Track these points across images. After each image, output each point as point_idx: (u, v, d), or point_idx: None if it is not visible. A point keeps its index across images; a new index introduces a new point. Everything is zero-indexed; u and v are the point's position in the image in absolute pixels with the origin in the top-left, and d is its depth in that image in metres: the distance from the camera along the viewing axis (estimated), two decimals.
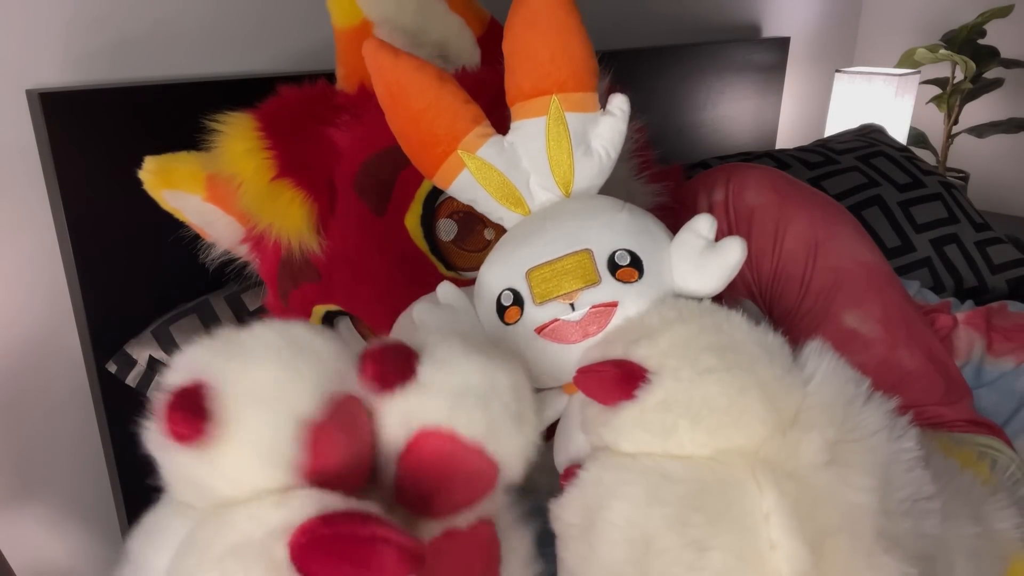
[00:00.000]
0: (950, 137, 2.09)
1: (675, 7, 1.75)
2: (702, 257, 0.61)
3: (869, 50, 2.35)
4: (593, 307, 0.58)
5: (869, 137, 1.68)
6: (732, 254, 0.60)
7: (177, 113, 0.86)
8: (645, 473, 0.52)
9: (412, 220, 0.77)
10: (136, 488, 1.05)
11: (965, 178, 2.05)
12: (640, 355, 0.54)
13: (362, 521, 0.40)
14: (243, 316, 0.97)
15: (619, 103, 0.66)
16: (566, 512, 0.55)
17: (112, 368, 0.96)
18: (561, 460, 0.63)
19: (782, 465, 0.52)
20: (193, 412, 0.42)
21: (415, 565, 0.40)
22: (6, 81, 0.90)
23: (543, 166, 0.66)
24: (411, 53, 0.68)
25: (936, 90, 2.12)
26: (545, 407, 0.64)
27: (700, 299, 0.61)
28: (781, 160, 1.55)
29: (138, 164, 0.96)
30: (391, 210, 0.77)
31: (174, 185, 0.89)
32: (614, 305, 0.59)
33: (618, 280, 0.59)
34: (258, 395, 0.44)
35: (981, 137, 2.02)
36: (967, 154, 2.19)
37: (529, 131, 0.66)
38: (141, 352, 0.95)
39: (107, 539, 1.10)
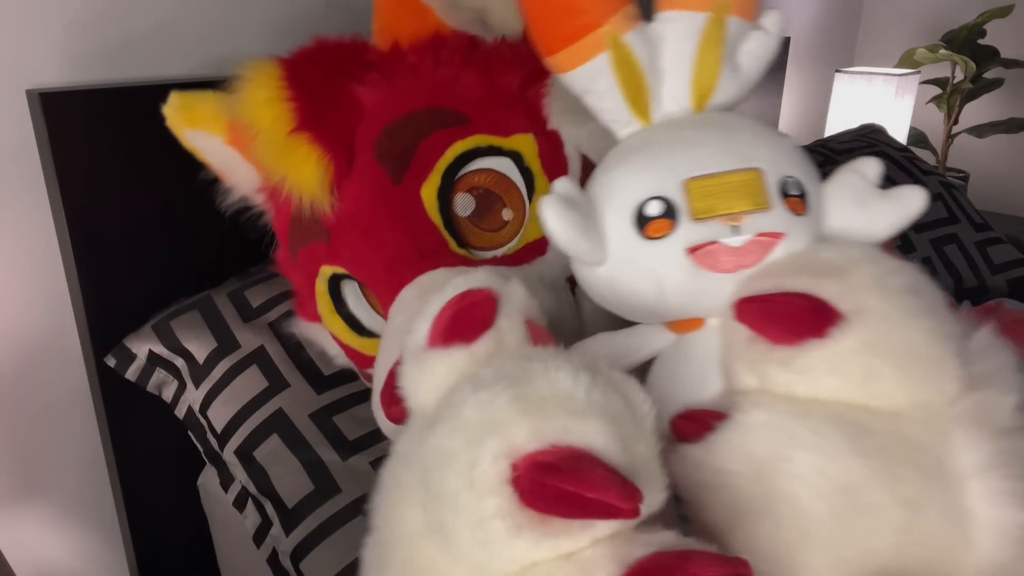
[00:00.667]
0: (950, 137, 2.09)
1: None
2: (870, 200, 0.55)
3: (869, 50, 2.35)
4: (759, 234, 0.52)
5: (869, 137, 1.68)
6: (913, 201, 0.55)
7: None
8: (838, 421, 0.46)
9: (429, 191, 0.75)
10: (136, 488, 1.05)
11: (965, 178, 2.05)
12: (830, 291, 0.48)
13: (678, 562, 0.39)
14: (246, 312, 0.97)
15: (774, 19, 0.59)
16: (720, 458, 0.48)
17: (111, 362, 0.95)
18: (670, 404, 0.55)
19: (983, 424, 0.47)
20: (619, 483, 0.41)
21: None
22: (6, 81, 0.90)
23: (683, 71, 0.58)
24: (449, 15, 0.64)
25: (936, 90, 2.12)
26: (641, 345, 0.59)
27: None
28: None
29: (138, 164, 0.96)
30: (408, 178, 0.75)
31: (196, 124, 0.87)
32: (780, 236, 0.53)
33: (787, 209, 0.53)
34: None
35: (981, 137, 2.01)
36: (967, 154, 2.19)
37: (682, 27, 0.57)
38: (140, 346, 0.95)
39: (107, 539, 1.10)
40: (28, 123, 0.92)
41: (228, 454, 0.90)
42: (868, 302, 0.48)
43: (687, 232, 0.53)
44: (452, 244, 0.75)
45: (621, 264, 0.57)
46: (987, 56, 1.99)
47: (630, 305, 0.60)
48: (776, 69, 2.06)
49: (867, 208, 0.55)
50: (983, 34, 1.99)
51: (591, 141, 0.79)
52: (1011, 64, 1.98)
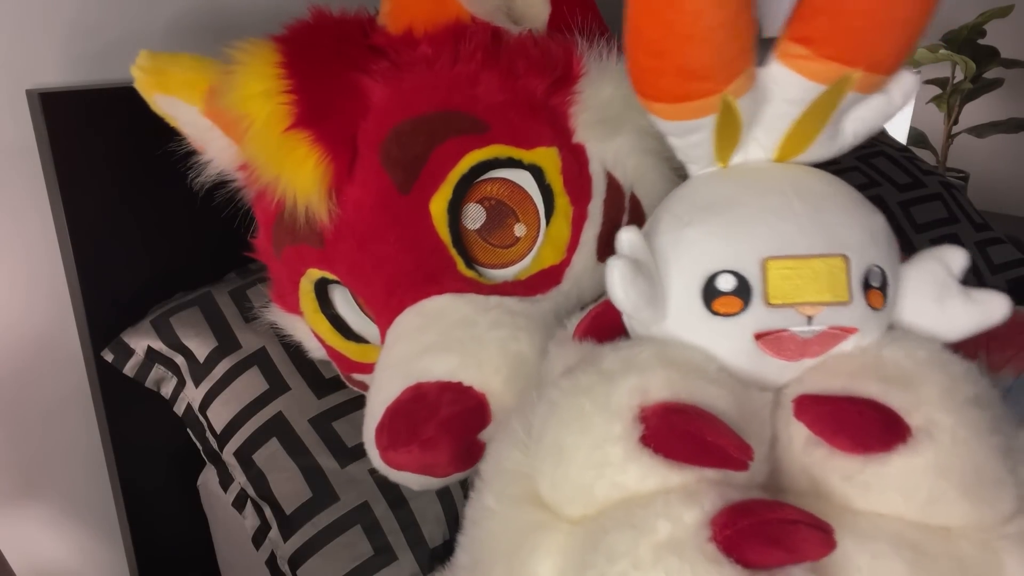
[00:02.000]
0: (950, 137, 2.09)
1: None
2: (950, 298, 0.52)
3: None
4: (832, 328, 0.50)
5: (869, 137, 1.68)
6: (995, 309, 0.52)
7: None
8: (898, 544, 0.44)
9: (439, 205, 0.68)
10: (136, 488, 1.05)
11: (965, 178, 2.05)
12: (901, 401, 0.46)
13: (773, 507, 0.43)
14: (247, 311, 0.96)
15: (907, 86, 0.54)
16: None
17: (109, 357, 0.95)
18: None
19: None
20: (737, 437, 0.46)
21: (832, 541, 0.42)
22: (6, 81, 0.90)
23: (779, 127, 0.54)
24: (471, 1, 0.58)
25: (936, 90, 2.12)
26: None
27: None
28: None
29: (138, 164, 0.96)
30: (417, 189, 0.68)
31: (169, 90, 0.79)
32: (853, 332, 0.50)
33: (868, 304, 0.50)
34: None
35: (981, 137, 2.01)
36: (967, 154, 2.19)
37: (794, 93, 0.52)
38: (139, 342, 0.94)
39: (107, 539, 1.10)
40: (28, 123, 0.92)
41: (227, 455, 0.90)
42: (938, 417, 0.46)
43: (757, 316, 0.50)
44: (460, 264, 0.69)
45: (679, 330, 0.54)
46: (987, 56, 1.99)
47: None
48: None
49: (945, 307, 0.52)
50: (983, 34, 1.99)
51: (618, 158, 0.73)
52: (1011, 64, 1.98)
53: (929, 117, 2.19)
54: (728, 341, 0.51)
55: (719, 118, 0.52)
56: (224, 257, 1.05)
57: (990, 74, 2.04)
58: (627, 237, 0.54)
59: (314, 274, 0.77)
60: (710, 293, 0.51)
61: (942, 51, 1.97)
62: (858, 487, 0.46)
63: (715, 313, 0.51)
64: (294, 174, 0.68)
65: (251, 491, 0.88)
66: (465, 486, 0.89)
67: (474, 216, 0.70)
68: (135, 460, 1.04)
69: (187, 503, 1.07)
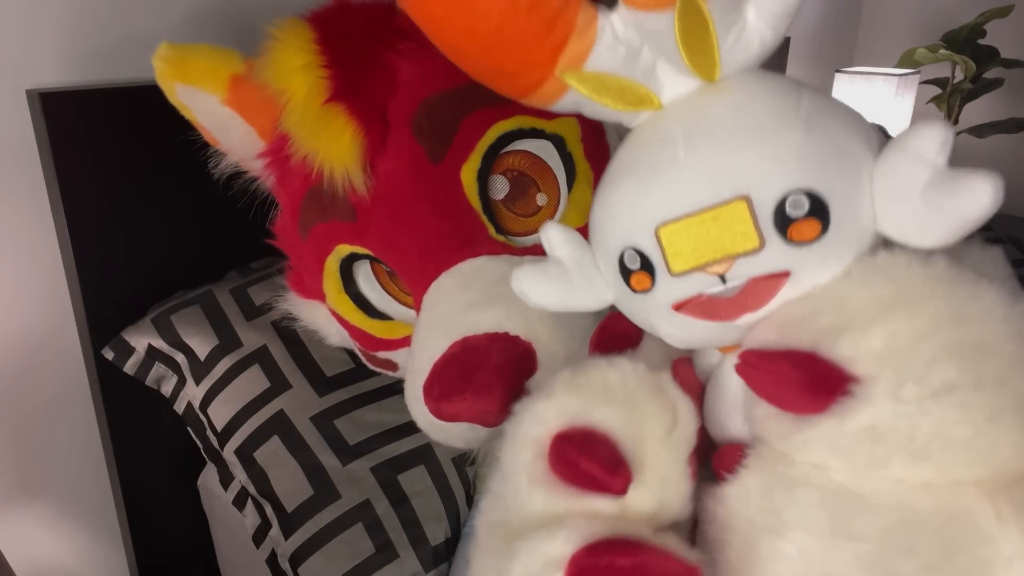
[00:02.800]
0: None
1: None
2: (928, 196, 0.41)
3: (869, 50, 2.35)
4: (753, 280, 0.44)
5: None
6: (979, 200, 0.40)
7: (177, 113, 0.86)
8: (831, 496, 0.41)
9: (469, 173, 0.71)
10: (136, 488, 1.05)
11: None
12: (843, 355, 0.40)
13: (628, 549, 0.42)
14: (249, 310, 0.96)
15: None
16: (723, 512, 0.46)
17: (109, 355, 0.95)
18: (714, 430, 0.53)
19: None
20: (614, 463, 0.44)
21: None
22: (6, 81, 0.90)
23: (672, 48, 0.47)
24: None
25: (936, 90, 2.12)
26: (699, 361, 0.55)
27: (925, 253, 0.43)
28: None
29: (138, 164, 0.96)
30: (449, 158, 0.71)
31: (190, 80, 0.80)
32: (784, 276, 0.44)
33: (790, 242, 0.43)
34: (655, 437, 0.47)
35: (981, 137, 2.01)
36: (967, 154, 2.19)
37: (650, 23, 0.47)
38: (139, 340, 0.94)
39: (107, 539, 1.10)
40: (28, 123, 0.92)
41: (228, 453, 0.90)
42: (885, 373, 0.39)
43: (667, 288, 0.47)
44: (491, 230, 0.72)
45: (623, 308, 0.55)
46: (987, 56, 1.99)
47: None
48: (776, 69, 2.06)
49: (922, 209, 0.42)
50: (983, 34, 1.99)
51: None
52: (1011, 64, 1.98)
53: (929, 117, 2.19)
54: (657, 317, 0.49)
55: (586, 92, 0.49)
56: (224, 256, 1.05)
57: (990, 74, 2.04)
58: (553, 235, 0.54)
59: (343, 250, 0.78)
60: (624, 272, 0.49)
61: (942, 51, 1.97)
62: (795, 446, 0.42)
63: (633, 291, 0.49)
64: (332, 145, 0.70)
65: (252, 489, 0.88)
66: (467, 485, 0.89)
67: (499, 187, 0.73)
68: (135, 460, 1.04)
69: (187, 503, 1.07)
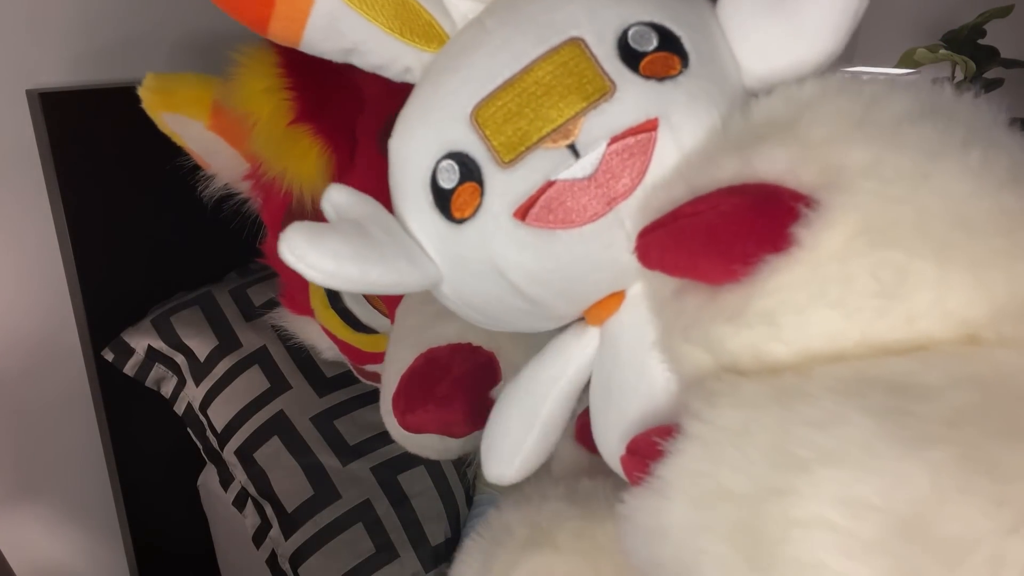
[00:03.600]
0: None
1: None
2: (784, 2, 0.33)
3: (869, 50, 2.35)
4: (614, 139, 0.33)
5: None
6: None
7: None
8: (869, 393, 0.25)
9: None
10: (136, 488, 1.05)
11: None
12: (777, 164, 0.29)
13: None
14: (248, 311, 0.96)
15: None
16: (645, 543, 0.30)
17: (109, 356, 0.95)
18: (611, 433, 0.39)
19: None
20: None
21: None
22: (6, 81, 0.90)
23: None
24: None
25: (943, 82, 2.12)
26: (564, 364, 0.42)
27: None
28: None
29: (138, 164, 0.96)
30: None
31: (175, 108, 0.83)
32: (653, 126, 0.33)
33: (646, 77, 0.33)
34: None
35: None
36: None
37: None
38: (139, 341, 0.95)
39: (107, 539, 1.10)
40: (28, 123, 0.92)
41: (228, 454, 0.90)
42: (850, 158, 0.28)
43: (502, 191, 0.34)
44: None
45: (453, 271, 0.40)
46: (987, 56, 1.99)
47: (507, 322, 0.44)
48: None
49: (785, 18, 0.33)
50: (983, 34, 1.99)
51: None
52: (1011, 64, 1.98)
53: None
54: (499, 247, 0.35)
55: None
56: (224, 257, 1.05)
57: (990, 74, 2.04)
58: (335, 195, 0.41)
59: None
60: (441, 200, 0.36)
61: (942, 51, 1.97)
62: (763, 325, 0.28)
63: (460, 221, 0.36)
64: (299, 166, 0.71)
65: (252, 489, 0.88)
66: (467, 485, 0.89)
67: None
68: (135, 460, 1.04)
69: (187, 503, 1.07)
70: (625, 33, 0.34)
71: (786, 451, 0.26)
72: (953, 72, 2.04)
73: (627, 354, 0.38)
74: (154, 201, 0.99)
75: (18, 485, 1.01)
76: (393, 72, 0.42)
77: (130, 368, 0.96)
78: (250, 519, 0.90)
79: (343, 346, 0.86)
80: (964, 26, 1.97)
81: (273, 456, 0.86)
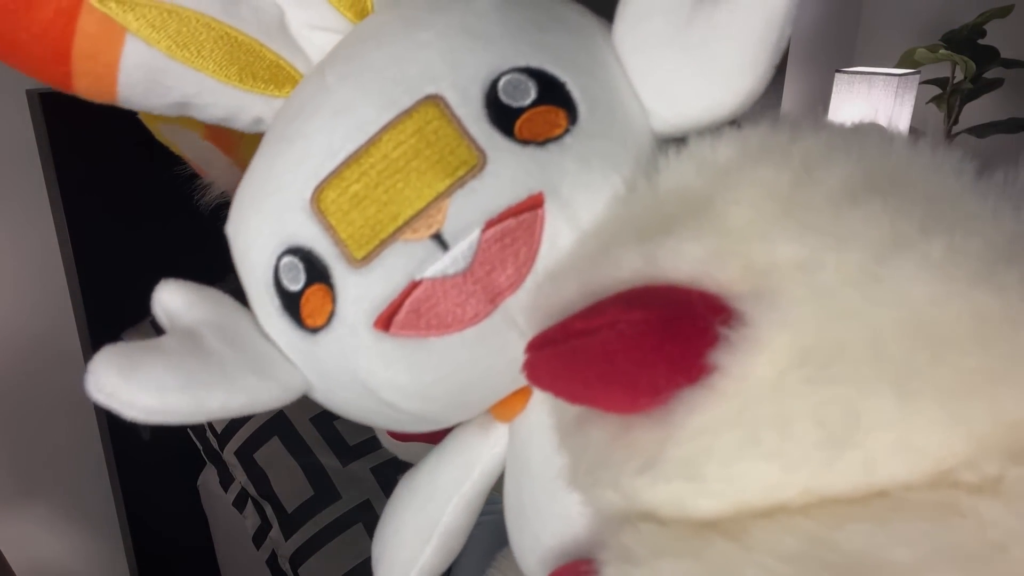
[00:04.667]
0: (950, 137, 2.09)
1: None
2: (693, 31, 0.27)
3: (869, 50, 2.35)
4: (489, 224, 0.26)
5: None
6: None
7: None
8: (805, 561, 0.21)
9: None
10: (136, 488, 1.05)
11: None
12: (688, 256, 0.23)
13: None
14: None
15: None
16: None
17: None
18: (529, 557, 0.34)
19: None
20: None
21: None
22: (6, 81, 0.90)
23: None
24: None
25: (936, 90, 2.12)
26: (468, 465, 0.36)
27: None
28: None
29: (138, 164, 0.96)
30: None
31: (171, 118, 0.83)
32: (537, 203, 0.26)
33: (523, 142, 0.27)
34: None
35: (981, 137, 2.01)
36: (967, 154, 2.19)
37: None
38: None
39: (107, 539, 1.10)
40: (28, 123, 0.92)
41: (228, 455, 0.90)
42: (779, 254, 0.22)
43: (357, 295, 0.28)
44: None
45: (320, 382, 0.33)
46: (987, 56, 1.99)
47: (400, 429, 0.35)
48: (776, 70, 2.07)
49: (685, 43, 0.27)
50: (983, 34, 1.99)
51: None
52: (1011, 64, 1.98)
53: (929, 117, 2.19)
54: (368, 354, 0.29)
55: (143, 32, 0.30)
56: (224, 257, 1.05)
57: (990, 74, 2.04)
58: (165, 297, 0.33)
59: None
60: (289, 304, 0.30)
61: (942, 51, 1.97)
62: (684, 483, 0.23)
63: (314, 330, 0.29)
64: None
65: (252, 490, 0.88)
66: None
67: None
68: (135, 460, 1.04)
69: (187, 503, 1.07)
70: (494, 85, 0.27)
71: None
72: (953, 72, 2.04)
73: (538, 466, 0.32)
74: (154, 201, 0.99)
75: (18, 485, 1.01)
76: (243, 124, 0.34)
77: None
78: (250, 519, 0.90)
79: None
80: (964, 26, 1.97)
81: (273, 456, 0.86)
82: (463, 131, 0.26)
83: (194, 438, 0.96)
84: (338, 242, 0.27)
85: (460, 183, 0.26)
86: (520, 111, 0.27)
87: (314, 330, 0.29)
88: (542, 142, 0.27)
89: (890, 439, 0.21)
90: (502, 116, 0.27)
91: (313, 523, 0.83)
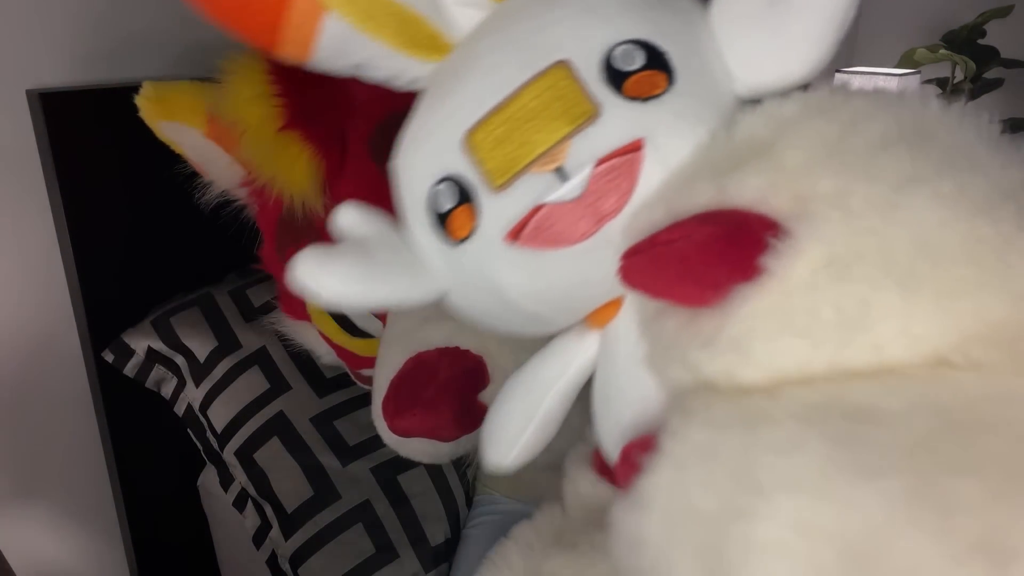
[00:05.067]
0: None
1: None
2: (774, 11, 0.34)
3: (869, 50, 2.35)
4: (600, 162, 0.34)
5: None
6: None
7: None
8: (829, 418, 0.27)
9: None
10: (136, 488, 1.05)
11: None
12: (750, 192, 0.30)
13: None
14: (248, 312, 0.96)
15: None
16: (642, 524, 0.30)
17: (109, 357, 0.95)
18: (610, 438, 0.43)
19: None
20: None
21: None
22: (6, 81, 0.90)
23: None
24: None
25: (936, 90, 2.12)
26: (565, 363, 0.44)
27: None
28: None
29: (138, 164, 0.96)
30: None
31: (173, 116, 0.83)
32: (638, 147, 0.34)
33: (630, 99, 0.34)
34: None
35: None
36: None
37: None
38: (139, 342, 0.95)
39: (107, 539, 1.10)
40: (28, 123, 0.92)
41: (228, 455, 0.90)
42: (819, 186, 0.29)
43: (495, 215, 0.36)
44: None
45: (458, 286, 0.42)
46: (987, 56, 1.99)
47: (513, 330, 0.45)
48: None
49: (774, 29, 0.34)
50: (983, 34, 1.99)
51: None
52: (1011, 64, 1.98)
53: None
54: (500, 260, 0.37)
55: (347, 14, 0.38)
56: (224, 257, 1.05)
57: (990, 74, 2.04)
58: (344, 216, 0.43)
59: None
60: (440, 221, 0.38)
61: (942, 51, 1.97)
62: (733, 352, 0.29)
63: (458, 242, 0.38)
64: (289, 172, 0.71)
65: (252, 490, 0.88)
66: (466, 486, 0.89)
67: None
68: (135, 460, 1.04)
69: (187, 503, 1.07)
70: (610, 53, 0.35)
71: (748, 474, 0.27)
72: (953, 72, 2.04)
73: (622, 361, 0.39)
74: (154, 201, 0.99)
75: (18, 485, 1.01)
76: (402, 83, 0.42)
77: (130, 369, 0.96)
78: (250, 520, 0.90)
79: (340, 351, 0.86)
80: (964, 26, 1.97)
81: (273, 457, 0.86)
82: (584, 88, 0.34)
83: (194, 438, 0.96)
84: (483, 172, 0.35)
85: (579, 129, 0.33)
86: (629, 74, 0.34)
87: (459, 242, 0.37)
88: (645, 99, 0.34)
89: (894, 326, 0.28)
90: (615, 78, 0.34)
91: (313, 523, 0.83)
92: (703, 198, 0.31)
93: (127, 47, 0.99)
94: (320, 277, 0.40)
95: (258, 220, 0.87)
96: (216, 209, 0.92)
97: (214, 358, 0.93)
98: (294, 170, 0.72)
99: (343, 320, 0.84)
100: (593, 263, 0.36)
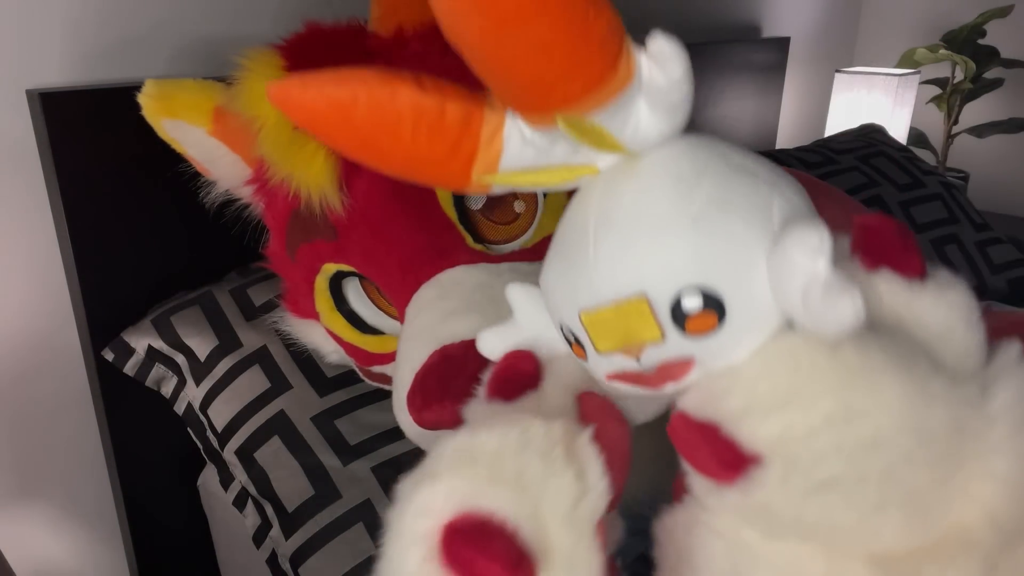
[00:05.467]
0: (950, 137, 2.09)
1: (675, 7, 1.75)
2: (807, 299, 0.42)
3: (869, 50, 2.35)
4: (662, 365, 0.46)
5: (869, 137, 1.68)
6: (843, 316, 0.41)
7: None
8: (736, 550, 0.46)
9: None
10: (136, 488, 1.05)
11: (965, 178, 2.05)
12: (744, 437, 0.42)
13: None
14: (248, 311, 0.96)
15: (660, 47, 0.48)
16: (662, 533, 0.50)
17: (109, 356, 0.95)
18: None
19: None
20: (515, 559, 0.41)
21: None
22: (6, 81, 0.90)
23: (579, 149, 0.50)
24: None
25: (936, 90, 2.12)
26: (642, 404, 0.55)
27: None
28: (781, 160, 1.55)
29: (138, 164, 0.96)
30: None
31: (176, 114, 0.83)
32: (688, 364, 0.46)
33: (688, 334, 0.45)
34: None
35: (981, 137, 2.01)
36: (967, 154, 2.19)
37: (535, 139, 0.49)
38: (139, 341, 0.95)
39: (107, 539, 1.10)
40: (28, 123, 0.92)
41: (228, 454, 0.90)
42: (776, 461, 0.42)
43: (597, 362, 0.49)
44: (468, 240, 0.74)
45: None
46: (987, 56, 1.99)
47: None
48: (776, 69, 2.07)
49: (799, 308, 0.43)
50: (983, 34, 1.99)
51: None
52: (1011, 64, 1.98)
53: (929, 117, 2.20)
54: (601, 380, 0.51)
55: (510, 183, 0.51)
56: (224, 256, 1.05)
57: (990, 74, 2.04)
58: (512, 292, 0.56)
59: (329, 269, 0.80)
60: (567, 340, 0.52)
61: (942, 51, 1.97)
62: (711, 505, 0.46)
63: (577, 356, 0.52)
64: (306, 169, 0.72)
65: (252, 489, 0.88)
66: None
67: (475, 198, 0.74)
68: (135, 460, 1.04)
69: (187, 503, 1.07)
70: (679, 296, 0.44)
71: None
72: (953, 72, 2.05)
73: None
74: (154, 201, 0.99)
75: (18, 485, 1.01)
76: (560, 188, 0.52)
77: (130, 368, 0.96)
78: (250, 519, 0.90)
79: (349, 348, 0.85)
80: (964, 26, 1.97)
81: (273, 456, 0.86)
82: (656, 319, 0.45)
83: (194, 437, 0.96)
84: (589, 339, 0.48)
85: (650, 343, 0.46)
86: (689, 314, 0.44)
87: (577, 356, 0.51)
88: (698, 335, 0.45)
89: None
90: (678, 315, 0.44)
91: (313, 523, 0.82)
92: (712, 413, 0.44)
93: (127, 47, 0.99)
94: (526, 310, 0.56)
95: (265, 218, 0.87)
96: (217, 208, 0.92)
97: (215, 357, 0.93)
98: (311, 167, 0.72)
99: (353, 318, 0.84)
100: (644, 402, 0.53)
